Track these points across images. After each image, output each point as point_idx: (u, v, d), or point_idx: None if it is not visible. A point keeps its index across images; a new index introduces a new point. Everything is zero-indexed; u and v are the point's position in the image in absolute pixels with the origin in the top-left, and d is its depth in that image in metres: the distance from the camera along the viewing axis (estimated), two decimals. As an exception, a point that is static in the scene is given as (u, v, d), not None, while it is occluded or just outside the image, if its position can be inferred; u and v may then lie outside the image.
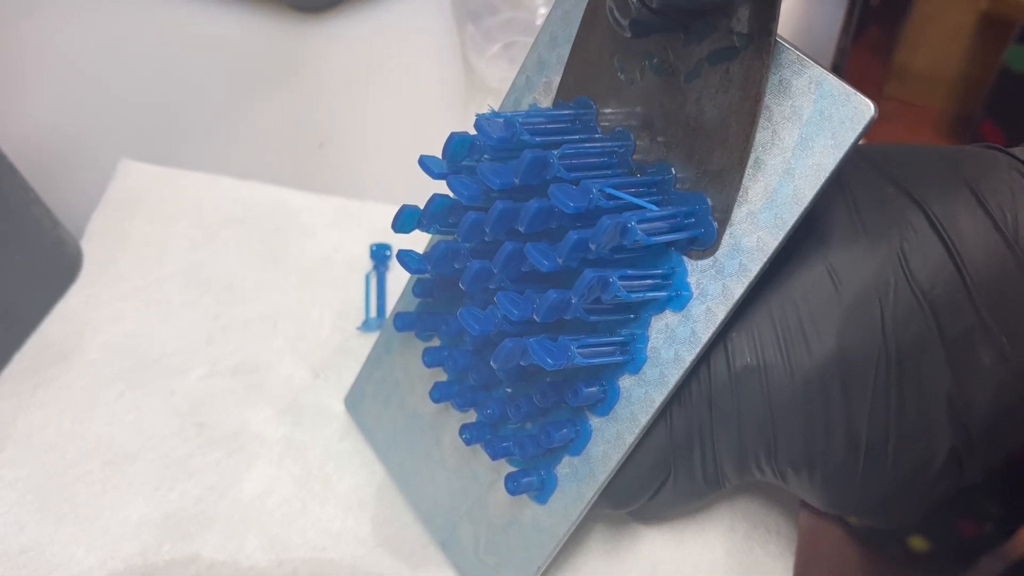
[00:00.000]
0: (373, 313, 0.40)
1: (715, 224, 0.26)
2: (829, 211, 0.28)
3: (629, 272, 0.26)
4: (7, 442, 0.37)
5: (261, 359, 0.40)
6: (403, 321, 0.34)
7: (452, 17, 0.51)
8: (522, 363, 0.26)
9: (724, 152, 0.26)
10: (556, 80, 0.30)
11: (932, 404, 0.27)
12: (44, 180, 0.41)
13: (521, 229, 0.26)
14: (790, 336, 0.27)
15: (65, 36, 0.52)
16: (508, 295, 0.26)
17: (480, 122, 0.26)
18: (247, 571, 0.34)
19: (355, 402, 0.37)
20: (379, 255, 0.41)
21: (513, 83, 0.31)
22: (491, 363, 0.26)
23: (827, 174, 0.24)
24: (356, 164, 0.47)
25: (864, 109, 0.23)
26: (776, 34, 0.24)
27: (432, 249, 0.29)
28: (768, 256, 0.25)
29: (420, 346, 0.35)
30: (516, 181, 0.26)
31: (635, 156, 0.28)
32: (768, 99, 0.25)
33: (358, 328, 0.40)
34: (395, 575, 0.34)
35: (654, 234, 0.25)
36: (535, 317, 0.26)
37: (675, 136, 0.27)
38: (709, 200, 0.26)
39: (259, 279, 0.42)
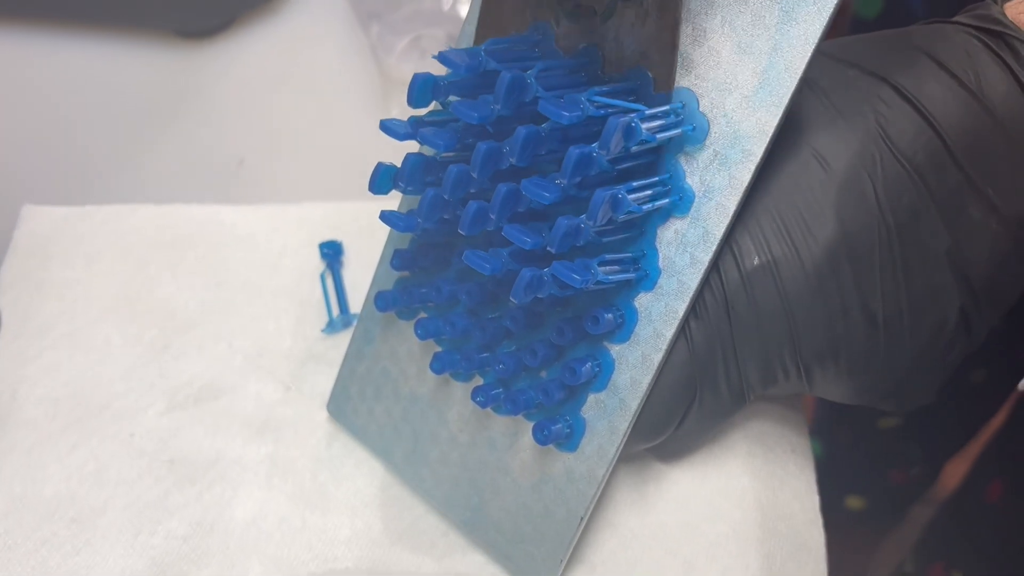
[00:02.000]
0: (336, 312, 0.38)
1: (705, 118, 0.26)
2: (801, 102, 0.29)
3: (634, 184, 0.25)
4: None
5: (223, 382, 0.37)
6: (385, 300, 0.32)
7: (354, 20, 0.49)
8: (540, 295, 0.25)
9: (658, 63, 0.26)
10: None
11: (935, 266, 0.28)
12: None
13: (512, 160, 0.25)
14: (792, 226, 0.27)
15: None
16: (516, 227, 0.25)
17: (444, 55, 0.25)
18: (258, 600, 0.31)
19: (339, 405, 0.35)
20: (330, 253, 0.39)
21: (462, 32, 0.31)
22: (511, 299, 0.25)
23: (816, 39, 0.24)
24: (284, 171, 0.44)
25: None
26: None
27: (421, 201, 0.27)
28: (770, 136, 0.25)
29: (403, 328, 0.33)
30: (497, 108, 0.25)
31: None
32: None
33: (322, 331, 0.38)
34: (419, 568, 0.32)
35: (655, 133, 0.25)
36: (549, 248, 0.24)
37: None
38: (695, 93, 0.26)
39: (203, 300, 0.39)
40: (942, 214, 0.27)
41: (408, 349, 0.33)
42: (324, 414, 0.36)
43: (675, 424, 0.30)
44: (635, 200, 0.25)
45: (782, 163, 0.28)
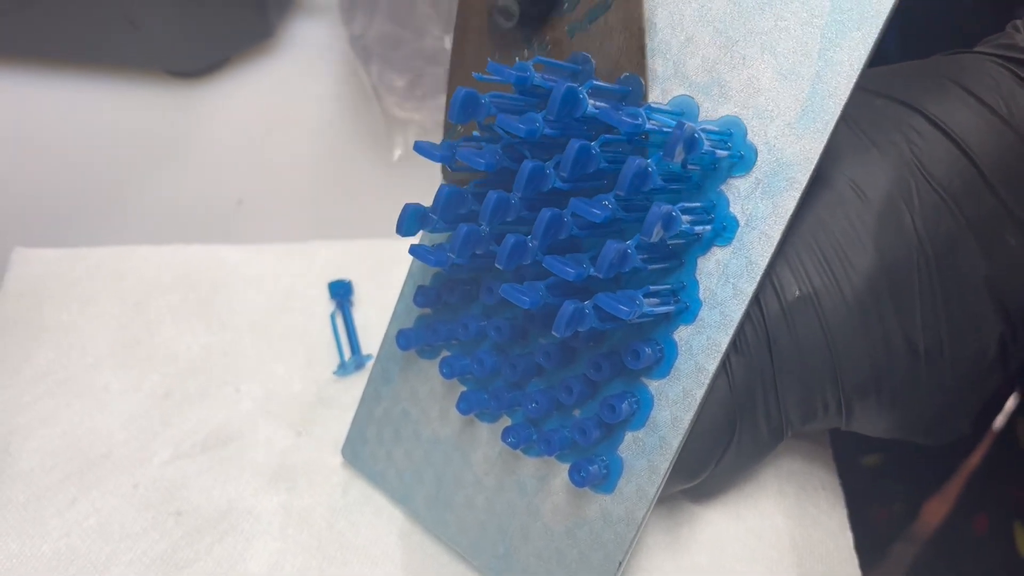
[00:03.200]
0: (348, 354, 0.37)
1: (753, 145, 0.25)
2: (833, 134, 0.28)
3: (684, 205, 0.25)
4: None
5: (231, 428, 0.35)
6: (407, 338, 0.31)
7: (352, 58, 0.49)
8: (581, 328, 0.24)
9: None
10: None
11: (974, 295, 0.27)
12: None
13: (563, 175, 0.24)
14: (831, 257, 0.27)
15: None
16: (557, 258, 0.24)
17: (493, 65, 0.25)
18: (276, 660, 0.29)
19: (355, 449, 0.33)
20: (340, 292, 0.38)
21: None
22: (552, 333, 0.24)
23: (860, 66, 0.24)
24: (284, 211, 0.43)
25: None
26: None
27: (454, 236, 0.26)
28: (814, 163, 0.24)
29: (424, 367, 0.32)
30: (551, 119, 0.24)
31: None
32: (778, 9, 0.24)
33: (334, 373, 0.36)
34: (449, 621, 0.30)
35: (712, 149, 0.24)
36: (596, 274, 0.24)
37: None
38: (743, 122, 0.25)
39: (207, 343, 0.37)
40: (979, 242, 0.27)
41: (430, 389, 0.31)
42: (338, 459, 0.34)
43: (715, 462, 0.29)
44: (686, 222, 0.24)
45: (818, 193, 0.28)
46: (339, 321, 0.37)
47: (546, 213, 0.24)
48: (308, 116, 0.48)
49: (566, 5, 0.27)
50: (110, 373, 0.36)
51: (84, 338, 0.37)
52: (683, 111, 0.26)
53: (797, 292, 0.27)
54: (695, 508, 0.32)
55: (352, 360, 0.36)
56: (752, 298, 0.26)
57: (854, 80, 0.24)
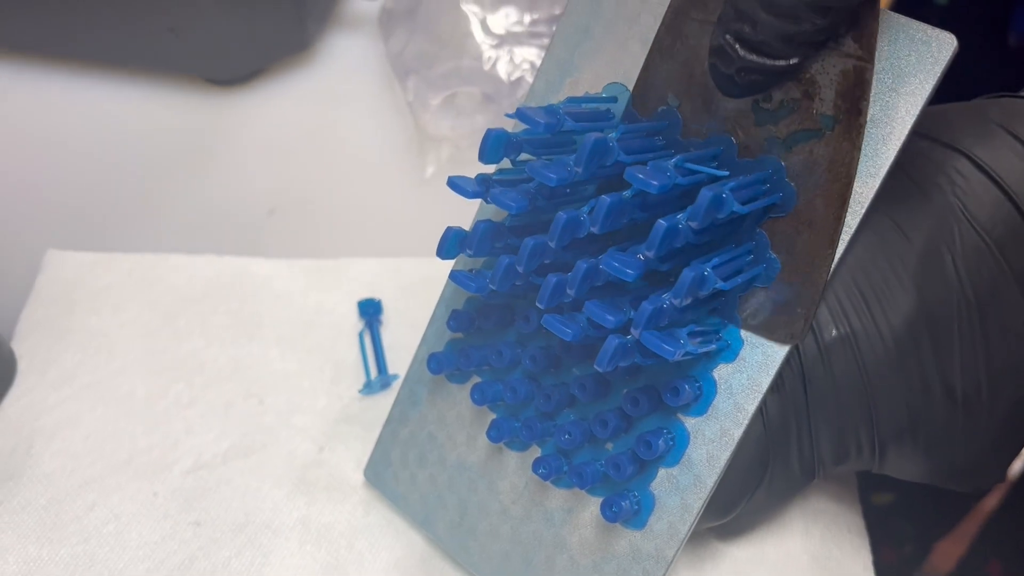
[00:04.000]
0: (374, 373, 0.36)
1: (792, 186, 0.25)
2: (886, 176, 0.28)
3: (717, 261, 0.24)
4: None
5: (254, 441, 0.35)
6: (439, 362, 0.30)
7: (390, 73, 0.49)
8: (623, 363, 0.24)
9: (812, 234, 0.25)
10: (582, 78, 0.29)
11: (1015, 341, 0.27)
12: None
13: (594, 229, 0.24)
14: (871, 298, 0.27)
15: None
16: (597, 303, 0.24)
17: (523, 111, 0.25)
18: None
19: (378, 471, 0.33)
20: (369, 311, 0.38)
21: (532, 89, 0.30)
22: (595, 367, 0.24)
23: (916, 113, 0.24)
24: (315, 225, 0.43)
25: (945, 43, 0.23)
26: (867, 114, 0.24)
27: (495, 269, 0.26)
28: (866, 206, 0.24)
29: (453, 392, 0.31)
30: (578, 171, 0.24)
31: None
32: None
33: (360, 391, 0.36)
34: (466, 650, 0.30)
35: (745, 203, 0.24)
36: (633, 330, 0.23)
37: None
38: (782, 162, 0.25)
39: (234, 356, 0.37)
40: (1021, 288, 0.27)
41: (458, 414, 0.31)
42: (360, 477, 0.34)
43: (746, 501, 0.28)
44: (720, 275, 0.24)
45: (859, 235, 0.27)
46: (367, 339, 0.37)
47: (582, 266, 0.24)
48: (342, 129, 0.48)
49: (761, 115, 0.25)
50: (136, 379, 0.36)
51: (112, 343, 0.37)
52: (722, 149, 0.26)
53: (835, 332, 0.27)
54: (720, 544, 0.32)
55: (378, 379, 0.36)
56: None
57: (909, 126, 0.24)
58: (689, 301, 0.24)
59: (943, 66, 0.23)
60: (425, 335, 0.32)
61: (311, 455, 0.35)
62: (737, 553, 0.32)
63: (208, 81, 0.50)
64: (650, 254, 0.23)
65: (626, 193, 0.24)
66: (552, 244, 0.24)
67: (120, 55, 0.49)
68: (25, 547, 0.31)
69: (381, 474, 0.33)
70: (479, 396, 0.29)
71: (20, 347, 0.37)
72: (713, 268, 0.24)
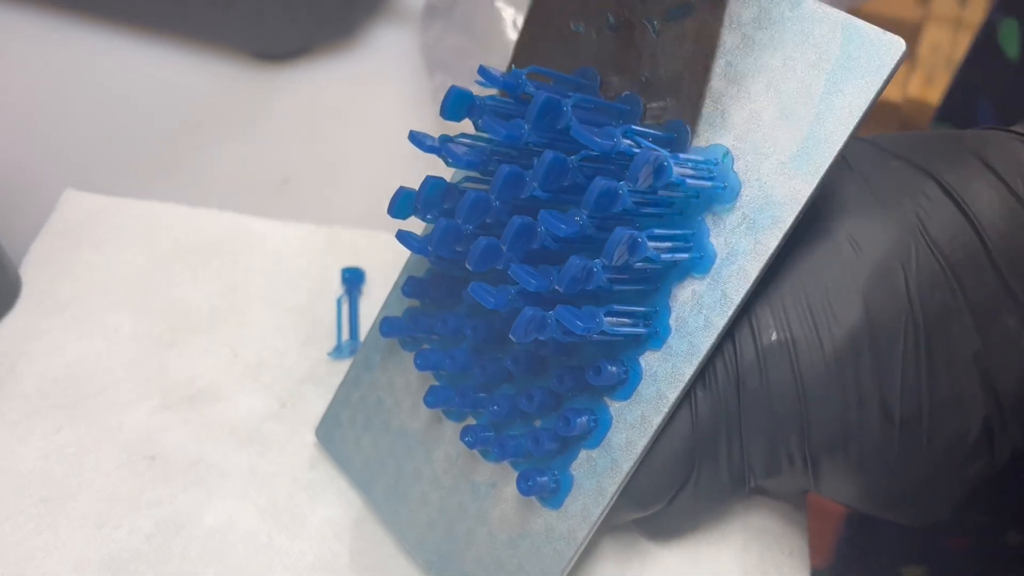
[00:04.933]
0: (346, 338, 0.37)
1: (737, 176, 0.25)
2: (840, 185, 0.28)
3: (656, 232, 0.24)
4: (-79, 482, 0.32)
5: (220, 389, 0.36)
6: (390, 326, 0.31)
7: (422, 66, 0.50)
8: (541, 336, 0.24)
9: (678, 104, 0.26)
10: None
11: (962, 371, 0.26)
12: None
13: (535, 185, 0.24)
14: (816, 307, 0.26)
15: (25, 70, 0.50)
16: (523, 267, 0.24)
17: (484, 69, 0.25)
18: (207, 613, 0.30)
19: (328, 430, 0.34)
20: (351, 279, 0.39)
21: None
22: (509, 336, 0.24)
23: (860, 114, 0.23)
24: (324, 196, 0.45)
25: (895, 46, 0.23)
26: None
27: (434, 229, 0.26)
28: (802, 205, 0.24)
29: (405, 360, 0.32)
30: (526, 128, 0.24)
31: None
32: (790, 50, 0.24)
33: (328, 354, 0.37)
34: (380, 610, 0.30)
35: (685, 177, 0.24)
36: (557, 287, 0.24)
37: (631, 89, 0.27)
38: (732, 152, 0.25)
39: (217, 306, 0.39)
40: (975, 317, 0.26)
41: (406, 381, 0.32)
42: (312, 436, 0.35)
43: (668, 497, 0.28)
44: (655, 248, 0.24)
45: (814, 243, 0.27)
46: (344, 306, 0.38)
47: (516, 220, 0.24)
48: (370, 114, 0.49)
49: None
50: (124, 317, 0.38)
51: (108, 281, 0.39)
52: (675, 135, 0.26)
53: (775, 336, 0.26)
54: (651, 546, 0.31)
55: (348, 344, 0.37)
56: (723, 332, 0.25)
57: (852, 127, 0.23)
58: (620, 266, 0.24)
59: (890, 69, 0.23)
60: (386, 301, 0.33)
61: (272, 409, 0.36)
62: (667, 557, 0.31)
63: (252, 54, 0.52)
64: (583, 214, 0.23)
65: (573, 157, 0.24)
66: (493, 197, 0.25)
67: (172, 22, 0.51)
68: (-11, 455, 0.33)
69: (331, 434, 0.34)
70: (422, 362, 0.30)
71: (26, 275, 0.39)
72: (651, 239, 0.24)
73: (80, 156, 0.46)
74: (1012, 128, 0.29)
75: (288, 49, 0.52)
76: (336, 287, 0.39)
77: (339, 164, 0.46)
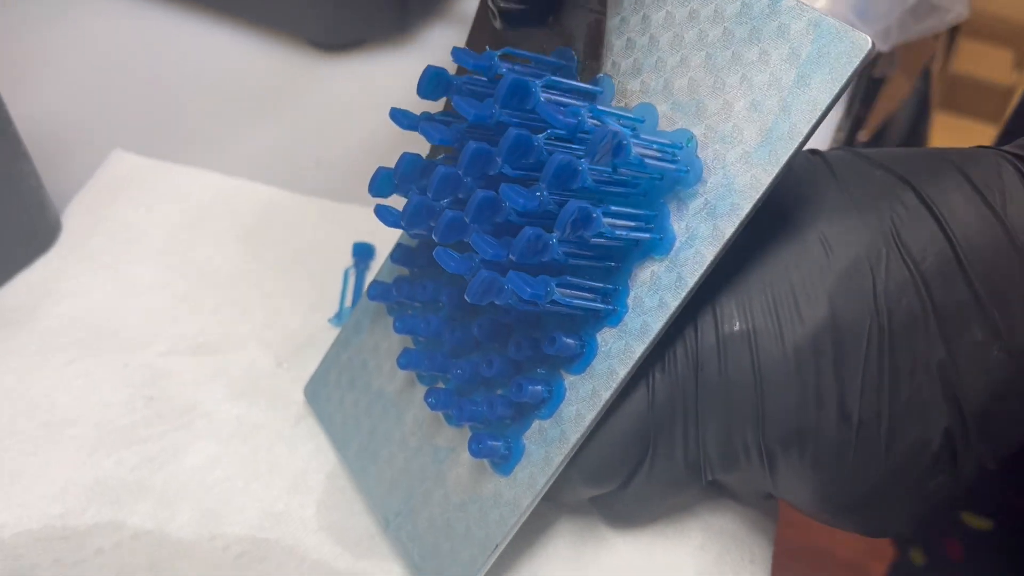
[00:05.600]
0: (348, 306, 0.39)
1: (701, 161, 0.26)
2: (819, 189, 0.28)
3: (613, 209, 0.25)
4: (-60, 397, 0.35)
5: (225, 343, 0.38)
6: (377, 289, 0.32)
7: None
8: (497, 301, 0.25)
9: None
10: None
11: (925, 380, 0.26)
12: (43, 157, 0.41)
13: (499, 160, 0.25)
14: (781, 302, 0.26)
15: (92, 39, 0.53)
16: (482, 236, 0.25)
17: (457, 50, 0.26)
18: (175, 543, 0.31)
19: (316, 388, 0.35)
20: (361, 253, 0.40)
21: None
22: (464, 297, 0.25)
23: (823, 107, 0.24)
24: (350, 178, 0.46)
25: (862, 43, 0.23)
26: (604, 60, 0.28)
27: (406, 204, 0.28)
28: (760, 194, 0.25)
29: (390, 325, 0.33)
30: (496, 108, 0.25)
31: None
32: (766, 44, 0.25)
33: (329, 320, 0.38)
34: (335, 561, 0.31)
35: (646, 158, 0.25)
36: (511, 256, 0.25)
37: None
38: (698, 139, 0.26)
39: (234, 268, 0.41)
40: (941, 326, 0.26)
41: (389, 346, 0.33)
42: (303, 397, 0.36)
43: (621, 476, 0.28)
44: (612, 225, 0.25)
45: (784, 241, 0.27)
46: (351, 277, 0.40)
47: (479, 194, 0.25)
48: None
49: None
50: (146, 269, 0.40)
51: (138, 237, 0.42)
52: (644, 119, 0.27)
53: (737, 326, 0.27)
54: (608, 532, 0.32)
55: (348, 312, 0.38)
56: (675, 313, 0.26)
57: (814, 120, 0.24)
58: (575, 240, 0.24)
59: (856, 65, 0.23)
60: (380, 269, 0.34)
61: (269, 367, 0.37)
62: (622, 545, 0.32)
63: (310, 43, 0.54)
64: (544, 188, 0.24)
65: (539, 136, 0.25)
66: (461, 172, 0.26)
67: (238, 6, 0.54)
68: (4, 378, 0.35)
69: (317, 392, 0.35)
70: (400, 326, 0.31)
71: (66, 222, 0.42)
72: (606, 215, 0.25)
73: (134, 121, 0.48)
74: (1000, 147, 0.28)
75: (343, 41, 0.54)
76: (347, 261, 0.41)
77: (370, 151, 0.48)
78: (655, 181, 0.26)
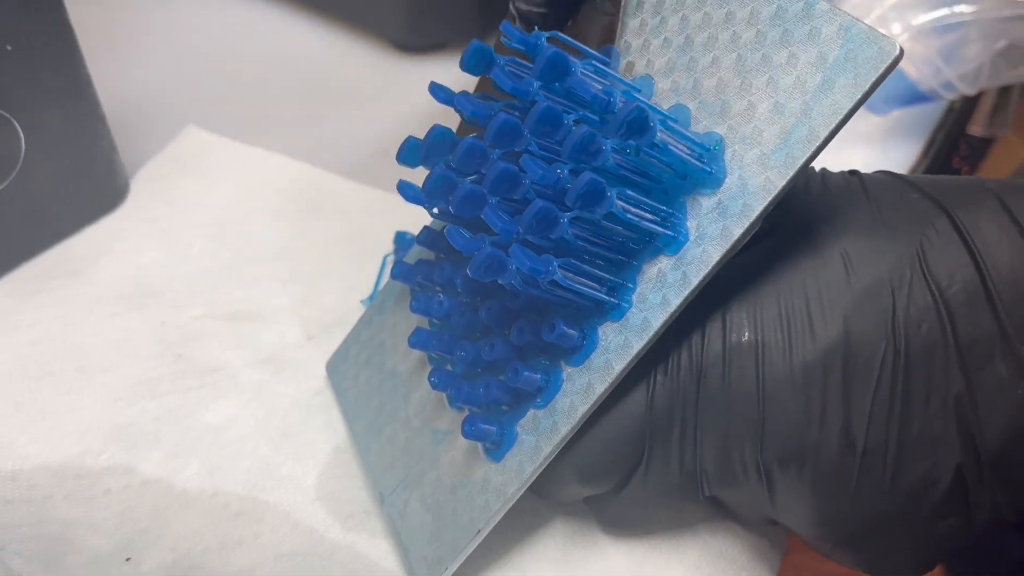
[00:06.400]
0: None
1: (726, 165, 0.25)
2: (849, 206, 0.27)
3: (629, 192, 0.25)
4: (-7, 331, 0.37)
5: (260, 312, 0.39)
6: (400, 270, 0.33)
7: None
8: (500, 280, 0.25)
9: None
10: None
11: (940, 412, 0.25)
12: (124, 126, 0.43)
13: (526, 132, 0.25)
14: (794, 317, 0.26)
15: (188, 24, 0.57)
16: (496, 211, 0.25)
17: (507, 25, 0.27)
18: (179, 493, 0.32)
19: (336, 363, 0.36)
20: (401, 242, 0.41)
21: None
22: (467, 271, 0.25)
23: (844, 112, 0.23)
24: (407, 172, 0.47)
25: (889, 49, 0.23)
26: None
27: (428, 176, 0.28)
28: (772, 196, 0.24)
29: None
30: (534, 84, 0.25)
31: None
32: (796, 47, 0.24)
33: (362, 302, 0.39)
34: (326, 531, 0.31)
35: (669, 145, 0.24)
36: (519, 229, 0.25)
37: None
38: (723, 136, 0.25)
39: (281, 244, 0.42)
40: (962, 358, 0.25)
41: (407, 327, 0.33)
42: (324, 370, 0.37)
43: (615, 478, 0.28)
44: (622, 207, 0.24)
45: (804, 253, 0.27)
46: (389, 264, 0.40)
47: (499, 165, 0.25)
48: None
49: None
50: (198, 238, 0.42)
51: (196, 207, 0.43)
52: (676, 118, 0.26)
53: (746, 336, 0.26)
54: (600, 538, 0.31)
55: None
56: (676, 312, 0.25)
57: (834, 125, 0.23)
58: (585, 229, 0.24)
59: (881, 70, 0.23)
60: (411, 252, 0.35)
61: (298, 340, 0.38)
62: (611, 552, 0.31)
63: (393, 44, 0.56)
64: (563, 158, 0.24)
65: (571, 116, 0.25)
66: (487, 143, 0.26)
67: (327, 4, 0.57)
68: (51, 324, 0.37)
69: (337, 367, 0.36)
70: (415, 305, 0.31)
71: (134, 187, 0.44)
72: (622, 197, 0.24)
73: (212, 101, 0.51)
74: None
75: (424, 43, 0.56)
76: (389, 247, 0.41)
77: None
78: (679, 180, 0.26)
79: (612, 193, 0.24)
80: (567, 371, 0.27)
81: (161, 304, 0.39)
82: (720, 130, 0.26)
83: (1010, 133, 0.71)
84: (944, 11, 0.47)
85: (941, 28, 0.48)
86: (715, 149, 0.25)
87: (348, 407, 0.34)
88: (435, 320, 0.32)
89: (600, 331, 0.27)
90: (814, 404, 0.25)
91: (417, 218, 0.42)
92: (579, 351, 0.27)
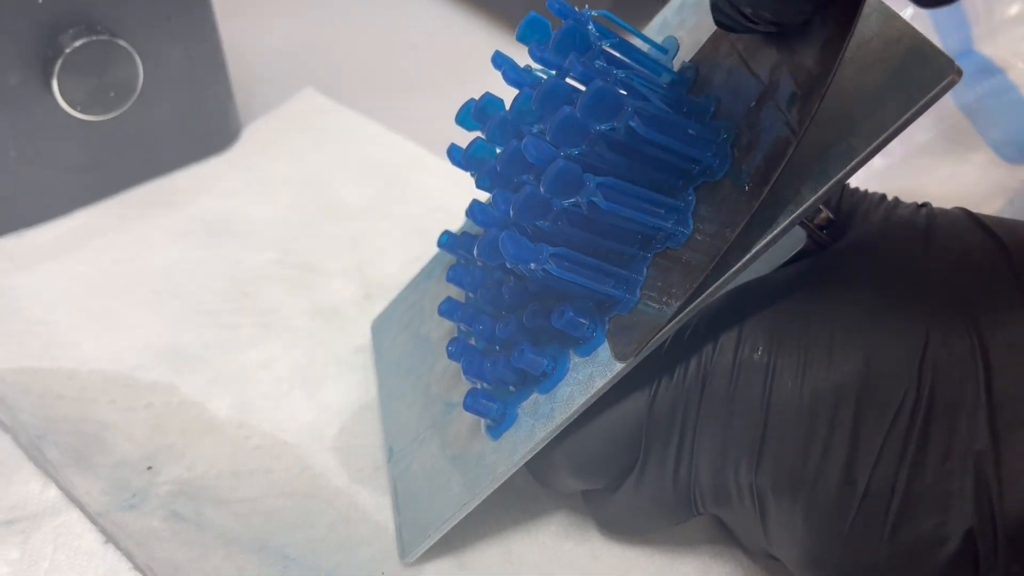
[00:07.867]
0: (442, 265, 0.40)
1: (732, 154, 0.24)
2: (904, 244, 0.26)
3: (622, 185, 0.24)
4: (86, 248, 0.40)
5: (326, 267, 0.40)
6: (447, 240, 0.33)
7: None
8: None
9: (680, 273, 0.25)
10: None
11: (957, 468, 0.23)
12: (245, 79, 0.46)
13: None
14: (814, 343, 0.24)
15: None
16: (503, 192, 0.26)
17: (554, 1, 0.27)
18: (208, 420, 0.34)
19: (381, 323, 0.37)
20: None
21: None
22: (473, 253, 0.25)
23: (889, 130, 0.22)
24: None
25: (946, 68, 0.21)
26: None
27: (503, 150, 0.28)
28: (800, 210, 0.23)
29: None
30: (580, 68, 0.25)
31: None
32: (867, 59, 0.23)
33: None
34: (335, 479, 0.32)
35: (653, 128, 0.24)
36: (511, 210, 0.25)
37: None
38: (734, 131, 0.24)
39: (363, 208, 0.43)
40: (992, 413, 0.23)
41: (448, 296, 0.34)
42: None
43: (608, 475, 0.27)
44: (623, 200, 0.24)
45: (839, 279, 0.25)
46: (454, 239, 0.41)
47: (513, 143, 0.26)
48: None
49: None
50: (286, 192, 0.44)
51: (295, 163, 0.46)
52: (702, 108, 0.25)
53: (759, 353, 0.25)
54: (594, 536, 0.30)
55: (440, 270, 0.39)
56: (680, 306, 0.24)
57: (877, 141, 0.22)
58: (584, 218, 0.24)
59: (935, 89, 0.21)
60: (463, 224, 0.35)
61: (355, 298, 0.39)
62: (605, 553, 0.30)
63: (511, 25, 0.57)
64: (547, 135, 0.24)
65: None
66: (534, 107, 0.26)
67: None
68: (139, 249, 0.40)
69: (381, 327, 0.37)
70: (452, 275, 0.31)
71: (244, 135, 0.47)
72: (608, 187, 0.24)
73: (335, 68, 0.53)
74: None
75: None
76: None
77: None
78: (684, 166, 0.25)
79: (592, 183, 0.24)
80: (574, 360, 0.27)
81: (241, 245, 0.41)
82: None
83: None
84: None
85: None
86: (722, 137, 0.25)
87: (382, 366, 0.35)
88: (469, 294, 0.32)
89: (609, 323, 0.26)
90: (818, 434, 0.24)
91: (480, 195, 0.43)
92: (588, 342, 0.26)
